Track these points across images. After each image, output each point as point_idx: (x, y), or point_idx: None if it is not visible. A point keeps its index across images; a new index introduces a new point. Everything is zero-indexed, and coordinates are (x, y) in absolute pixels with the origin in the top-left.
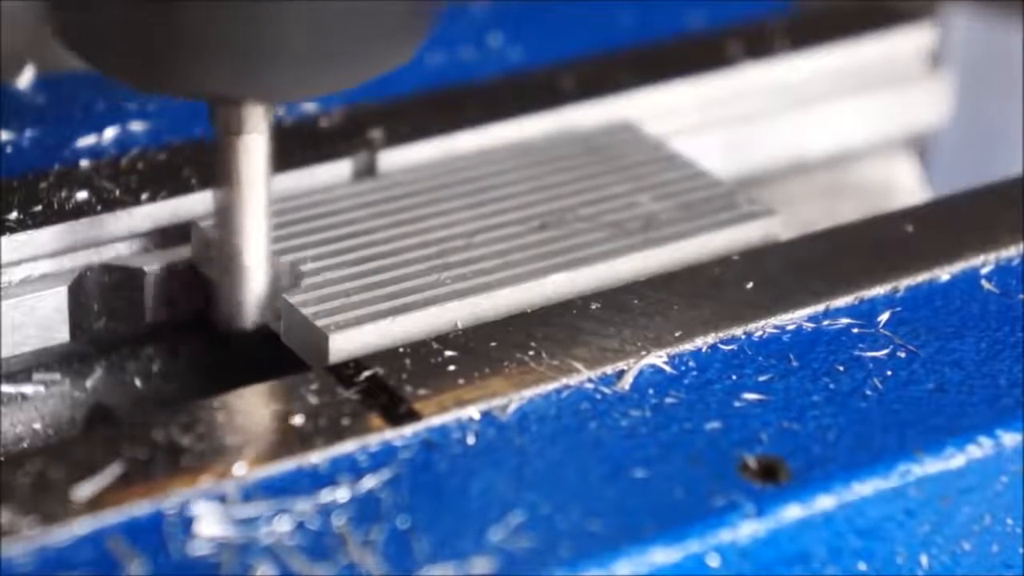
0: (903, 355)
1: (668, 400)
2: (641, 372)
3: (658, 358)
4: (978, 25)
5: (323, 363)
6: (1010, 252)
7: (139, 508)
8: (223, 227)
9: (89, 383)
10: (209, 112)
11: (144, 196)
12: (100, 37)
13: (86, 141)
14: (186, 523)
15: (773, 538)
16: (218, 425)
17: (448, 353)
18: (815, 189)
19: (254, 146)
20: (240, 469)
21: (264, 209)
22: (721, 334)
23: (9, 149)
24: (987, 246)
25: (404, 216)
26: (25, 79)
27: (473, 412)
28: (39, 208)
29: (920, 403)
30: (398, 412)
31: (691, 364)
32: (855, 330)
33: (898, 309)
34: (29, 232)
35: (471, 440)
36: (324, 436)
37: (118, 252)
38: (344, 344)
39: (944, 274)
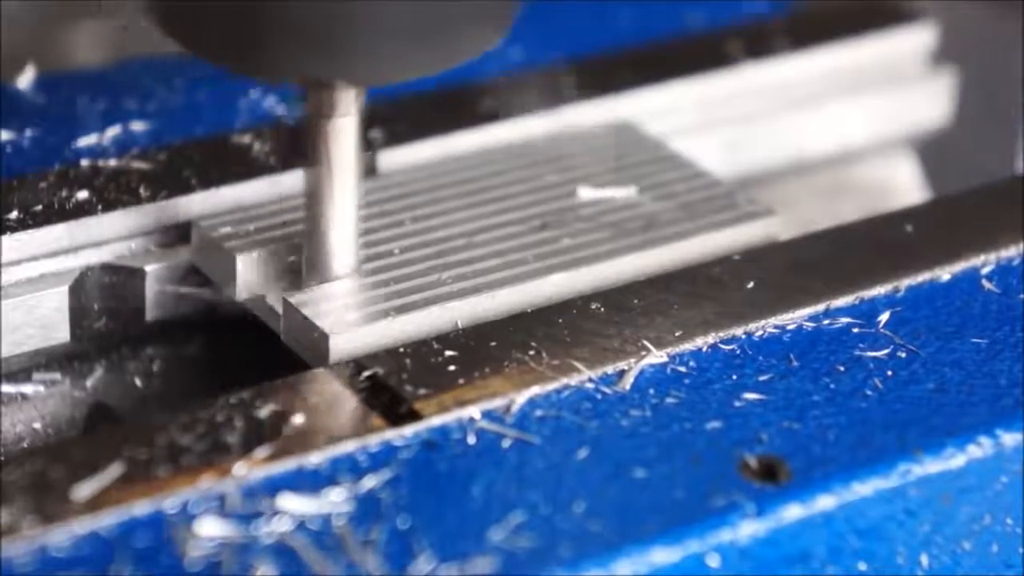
0: (903, 355)
1: (668, 400)
2: (641, 372)
3: (658, 358)
4: (979, 25)
5: (323, 363)
6: (1010, 252)
7: (139, 508)
8: (313, 208)
9: (89, 383)
10: (301, 94)
11: (144, 196)
12: (195, 21)
13: (86, 141)
14: (186, 523)
15: (773, 538)
16: (218, 425)
17: (448, 353)
18: (815, 189)
19: (345, 129)
20: (240, 469)
21: (353, 191)
22: (721, 334)
23: (9, 149)
24: (987, 246)
25: (404, 216)
26: (25, 79)
27: (473, 412)
28: (39, 208)
29: (920, 403)
30: (398, 412)
31: (691, 364)
32: (855, 330)
33: (898, 309)
34: (29, 232)
35: (471, 440)
36: (324, 436)
37: (118, 252)
38: (344, 344)
39: (944, 274)
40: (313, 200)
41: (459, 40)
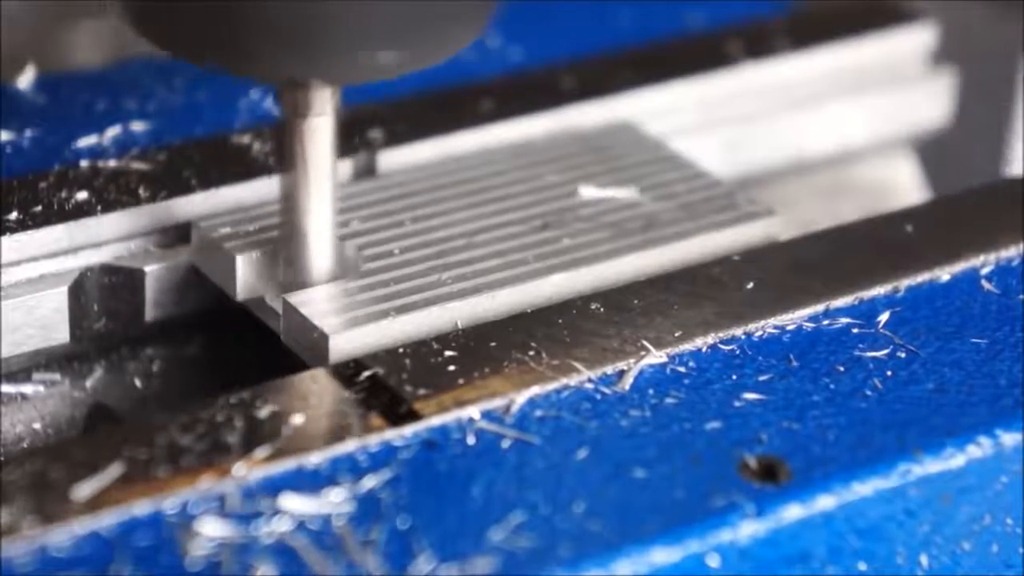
0: (903, 355)
1: (668, 400)
2: (641, 372)
3: (658, 358)
4: (979, 25)
5: (323, 363)
6: (1010, 252)
7: (139, 508)
8: (289, 209)
9: (89, 383)
10: (276, 94)
11: (144, 196)
12: (169, 20)
13: (86, 141)
14: (186, 523)
15: (773, 538)
16: (218, 425)
17: (448, 353)
18: (815, 189)
19: (320, 128)
20: (240, 469)
21: (330, 191)
22: (721, 334)
23: (9, 149)
24: (987, 246)
25: (404, 216)
26: (25, 79)
27: (473, 412)
28: (39, 208)
29: (920, 403)
30: (398, 412)
31: (691, 364)
32: (855, 330)
33: (898, 309)
34: (29, 232)
35: (471, 440)
36: (324, 436)
37: (118, 252)
38: (344, 344)
39: (944, 274)
40: (290, 201)
41: (434, 39)
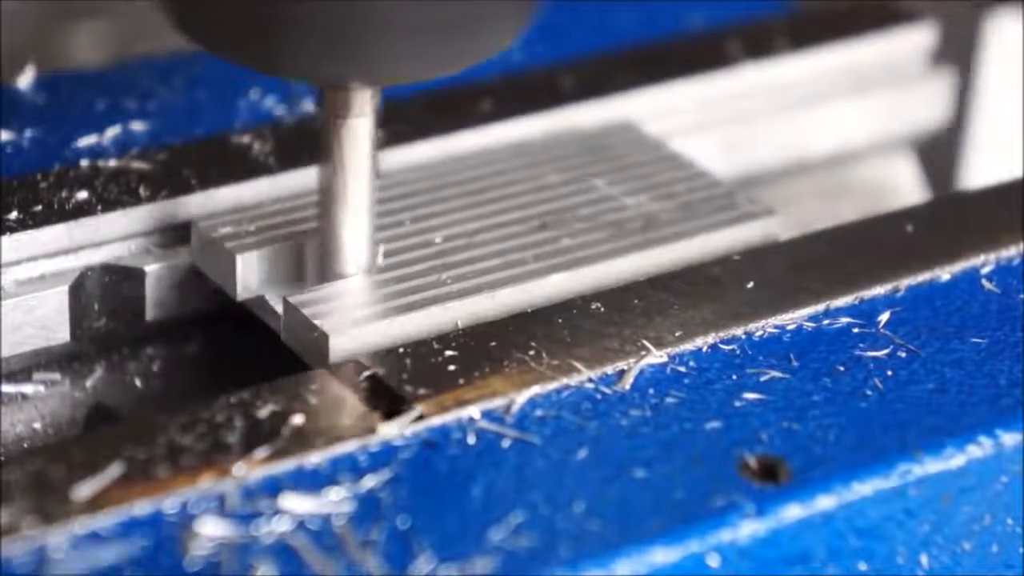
0: (903, 355)
1: (668, 400)
2: (641, 372)
3: (658, 358)
4: (979, 24)
5: (323, 363)
6: (1010, 252)
7: (139, 508)
8: (327, 209)
9: (89, 383)
10: (316, 94)
11: (144, 196)
12: (212, 20)
13: (86, 141)
14: (186, 523)
15: (773, 538)
16: (218, 425)
17: (448, 353)
18: (815, 189)
19: (360, 129)
20: (240, 469)
21: (368, 192)
22: (721, 334)
23: (9, 149)
24: (987, 246)
25: (404, 216)
26: (25, 79)
27: (473, 412)
28: (39, 208)
29: (920, 403)
30: (398, 412)
31: (691, 364)
32: (855, 330)
33: (898, 309)
34: (29, 232)
35: (471, 440)
36: (324, 436)
37: (118, 252)
38: (344, 344)
39: (944, 274)
40: (326, 200)
41: (475, 39)
